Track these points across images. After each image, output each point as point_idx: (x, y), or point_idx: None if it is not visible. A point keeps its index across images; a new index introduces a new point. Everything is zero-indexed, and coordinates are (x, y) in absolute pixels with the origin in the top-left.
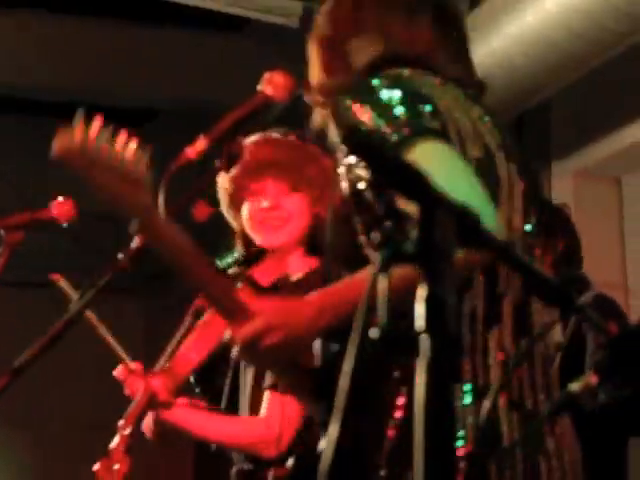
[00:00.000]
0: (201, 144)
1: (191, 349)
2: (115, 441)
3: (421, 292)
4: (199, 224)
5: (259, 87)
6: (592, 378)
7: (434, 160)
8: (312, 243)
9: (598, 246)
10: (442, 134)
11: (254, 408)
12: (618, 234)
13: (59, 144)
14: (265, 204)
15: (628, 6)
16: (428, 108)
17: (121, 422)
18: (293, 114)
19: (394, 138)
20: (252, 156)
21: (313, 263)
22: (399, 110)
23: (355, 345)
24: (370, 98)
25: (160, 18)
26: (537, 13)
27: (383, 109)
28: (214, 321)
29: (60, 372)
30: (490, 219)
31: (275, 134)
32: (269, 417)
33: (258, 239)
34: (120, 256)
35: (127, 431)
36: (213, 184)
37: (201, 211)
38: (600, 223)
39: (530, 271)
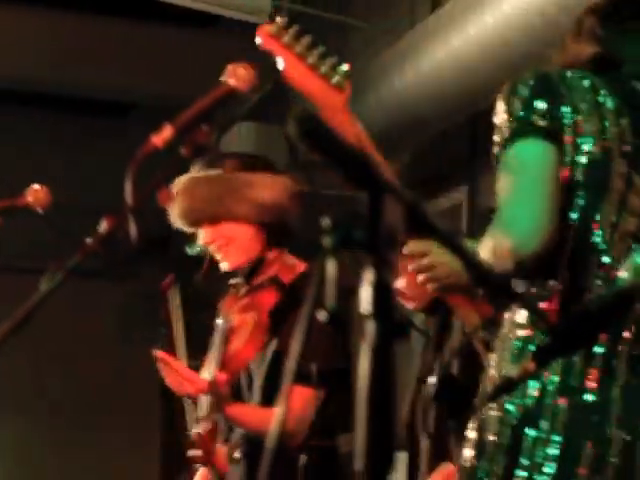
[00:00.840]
0: (167, 133)
1: (245, 348)
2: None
3: (368, 277)
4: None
5: (222, 78)
6: (530, 364)
7: (517, 160)
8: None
9: None
10: (548, 133)
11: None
12: None
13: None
14: (204, 242)
15: (581, 8)
16: (541, 105)
17: (200, 422)
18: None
19: (505, 134)
20: (176, 210)
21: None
22: (516, 105)
23: (304, 329)
24: (511, 91)
25: (138, 13)
26: (495, 15)
27: (509, 103)
28: (264, 322)
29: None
30: (522, 233)
31: (193, 175)
32: (295, 410)
33: None
34: (89, 240)
35: (207, 427)
36: (178, 171)
37: (165, 197)
38: None
39: (473, 263)
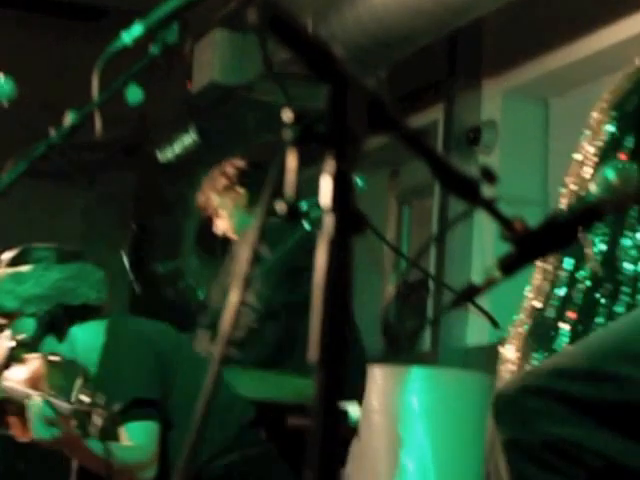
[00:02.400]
0: (136, 30)
1: None
2: None
3: (329, 170)
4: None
5: None
6: (496, 272)
7: None
8: None
9: (522, 164)
10: None
11: None
12: (542, 154)
13: None
14: None
15: None
16: None
17: None
18: None
19: None
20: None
21: None
22: None
23: (260, 222)
24: None
25: None
26: None
27: None
28: None
29: None
30: None
31: None
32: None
33: None
34: (53, 133)
35: None
36: (147, 70)
37: (135, 95)
38: (526, 142)
39: (439, 162)
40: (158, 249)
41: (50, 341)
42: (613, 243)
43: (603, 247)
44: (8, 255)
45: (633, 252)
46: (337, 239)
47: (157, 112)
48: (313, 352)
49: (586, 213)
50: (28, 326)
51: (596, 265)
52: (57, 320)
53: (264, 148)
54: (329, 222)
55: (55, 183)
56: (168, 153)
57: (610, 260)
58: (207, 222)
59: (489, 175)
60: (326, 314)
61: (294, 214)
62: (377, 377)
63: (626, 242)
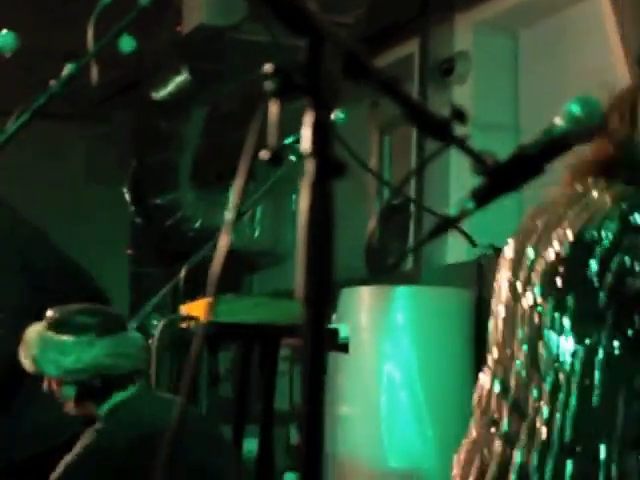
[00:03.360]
0: None
1: None
2: None
3: (308, 118)
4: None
5: None
6: (469, 204)
7: None
8: None
9: (494, 92)
10: None
11: None
12: (513, 82)
13: None
14: None
15: None
16: None
17: None
18: None
19: None
20: None
21: None
22: None
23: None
24: None
25: None
26: None
27: None
28: None
29: None
30: None
31: None
32: None
33: None
34: (53, 82)
35: None
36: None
37: (127, 44)
38: (497, 72)
39: (413, 106)
40: (156, 183)
41: (89, 407)
42: None
43: None
44: (53, 315)
45: None
46: (317, 183)
47: (151, 55)
48: (299, 289)
49: (552, 145)
50: (70, 392)
51: None
52: (94, 390)
53: (251, 85)
54: (310, 167)
55: (58, 125)
56: (163, 92)
57: None
58: (201, 156)
59: (460, 115)
60: (310, 254)
61: (277, 160)
62: (364, 297)
63: None
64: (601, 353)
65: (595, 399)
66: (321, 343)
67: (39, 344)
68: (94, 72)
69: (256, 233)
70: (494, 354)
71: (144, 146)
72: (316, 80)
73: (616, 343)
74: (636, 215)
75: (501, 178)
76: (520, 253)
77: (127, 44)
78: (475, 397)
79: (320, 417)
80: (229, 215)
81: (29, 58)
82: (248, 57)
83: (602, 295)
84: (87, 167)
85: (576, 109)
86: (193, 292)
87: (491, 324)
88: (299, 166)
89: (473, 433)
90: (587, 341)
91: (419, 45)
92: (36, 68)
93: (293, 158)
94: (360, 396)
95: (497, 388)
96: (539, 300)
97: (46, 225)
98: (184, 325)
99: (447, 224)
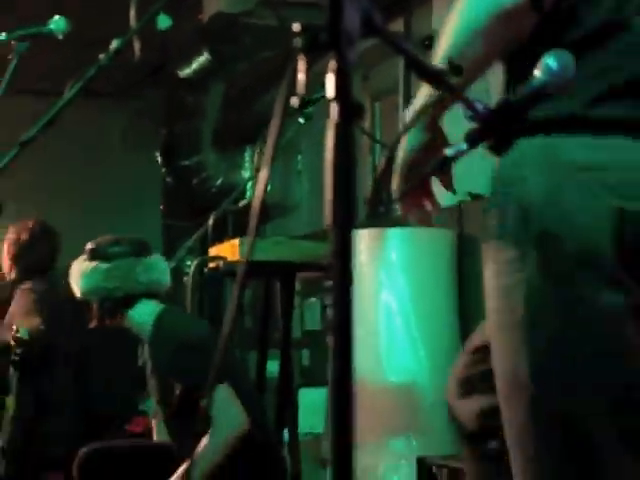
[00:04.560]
0: None
1: None
2: None
3: (331, 66)
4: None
5: None
6: (463, 145)
7: None
8: None
9: None
10: None
11: None
12: None
13: None
14: None
15: None
16: None
17: None
18: None
19: None
20: None
21: None
22: None
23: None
24: None
25: None
26: None
27: None
28: None
29: None
30: None
31: None
32: None
33: None
34: (101, 57)
35: None
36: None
37: (164, 21)
38: None
39: (414, 59)
40: (183, 148)
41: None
42: None
43: None
44: (89, 246)
45: None
46: (340, 123)
47: (176, 39)
48: (328, 218)
49: (533, 95)
50: (96, 308)
51: None
52: (113, 307)
53: (263, 63)
54: (334, 110)
55: (99, 101)
56: (187, 71)
57: None
58: (221, 124)
59: (455, 68)
60: (335, 187)
61: (304, 106)
62: (363, 238)
63: None
64: None
65: None
66: (349, 262)
67: (72, 272)
68: (137, 47)
69: (269, 188)
70: None
71: (172, 117)
72: (337, 36)
73: None
74: None
75: (490, 123)
76: None
77: (163, 21)
78: None
79: (350, 338)
80: (264, 169)
81: (77, 41)
82: (259, 39)
83: None
84: (124, 137)
85: (552, 62)
86: (219, 237)
87: None
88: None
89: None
90: None
91: (404, 24)
92: (83, 50)
93: (302, 120)
94: (362, 321)
95: None
96: None
97: (94, 187)
98: (213, 265)
99: (444, 162)
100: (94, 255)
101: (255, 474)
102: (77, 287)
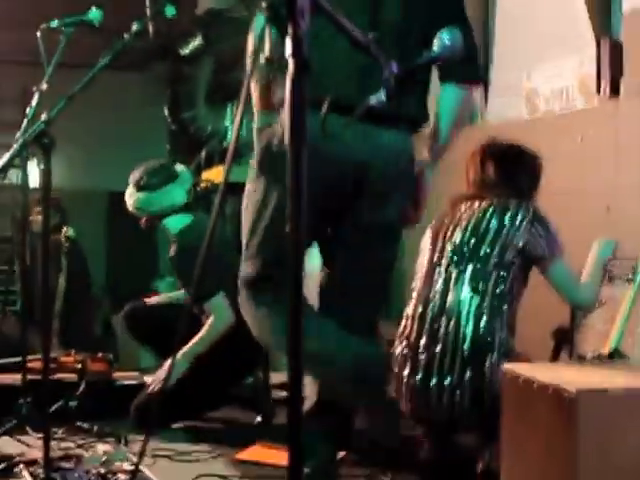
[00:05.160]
0: None
1: None
2: None
3: (289, 32)
4: None
5: None
6: (382, 96)
7: None
8: None
9: None
10: None
11: None
12: None
13: None
14: None
15: None
16: None
17: None
18: None
19: None
20: None
21: None
22: None
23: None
24: None
25: None
26: None
27: None
28: None
29: None
30: None
31: None
32: None
33: None
34: (126, 36)
35: None
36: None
37: (171, 10)
38: None
39: (346, 29)
40: (183, 104)
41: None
42: None
43: None
44: (134, 177)
45: None
46: (296, 72)
47: (178, 25)
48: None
49: (430, 61)
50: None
51: None
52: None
53: (240, 43)
54: (291, 64)
55: (119, 73)
56: (185, 50)
57: None
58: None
59: (378, 40)
60: (292, 115)
61: (271, 61)
62: None
63: None
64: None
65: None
66: (301, 173)
67: (126, 197)
68: (151, 28)
69: (243, 132)
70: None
71: (174, 82)
72: (293, 11)
73: (497, 291)
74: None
75: (402, 79)
76: (435, 236)
77: (170, 10)
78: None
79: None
80: (236, 120)
81: (110, 30)
82: (237, 27)
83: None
84: (141, 98)
85: (446, 38)
86: (208, 166)
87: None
88: None
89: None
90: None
91: None
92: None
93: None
94: None
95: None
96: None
97: (120, 132)
98: (203, 185)
99: (369, 108)
100: (140, 186)
101: (237, 358)
102: (129, 207)
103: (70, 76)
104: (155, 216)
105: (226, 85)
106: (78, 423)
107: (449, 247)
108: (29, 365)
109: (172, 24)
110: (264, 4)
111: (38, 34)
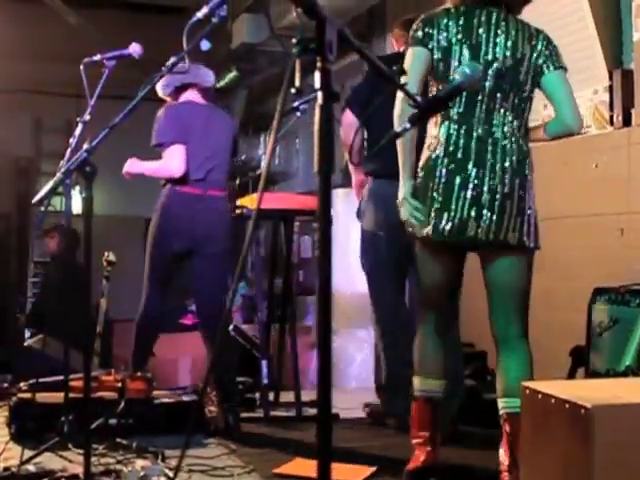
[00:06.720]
0: (202, 12)
1: None
2: None
3: (318, 67)
4: None
5: None
6: (407, 125)
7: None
8: None
9: None
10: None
11: None
12: None
13: None
14: None
15: None
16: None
17: None
18: None
19: None
20: None
21: None
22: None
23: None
24: None
25: None
26: None
27: None
28: None
29: None
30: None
31: None
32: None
33: None
34: (163, 69)
35: None
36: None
37: (206, 45)
38: None
39: (371, 61)
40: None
41: None
42: None
43: None
44: None
45: None
46: (324, 105)
47: (213, 59)
48: (316, 166)
49: (452, 91)
50: None
51: None
52: None
53: (272, 76)
54: (319, 95)
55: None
56: (222, 83)
57: None
58: (244, 116)
59: (402, 70)
60: (321, 146)
61: (301, 93)
62: (339, 194)
63: None
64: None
65: None
66: (329, 192)
67: None
68: (187, 62)
69: (276, 161)
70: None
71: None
72: (321, 45)
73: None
74: None
75: (425, 109)
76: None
77: (205, 45)
78: None
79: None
80: (269, 147)
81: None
82: (270, 60)
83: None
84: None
85: (467, 69)
86: (242, 194)
87: None
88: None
89: None
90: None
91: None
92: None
93: (298, 114)
94: (339, 248)
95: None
96: None
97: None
98: (238, 211)
99: (395, 137)
100: None
101: None
102: None
103: (111, 107)
104: None
105: (259, 115)
106: (118, 439)
107: None
108: (71, 384)
109: (208, 57)
110: (293, 39)
111: (81, 68)
